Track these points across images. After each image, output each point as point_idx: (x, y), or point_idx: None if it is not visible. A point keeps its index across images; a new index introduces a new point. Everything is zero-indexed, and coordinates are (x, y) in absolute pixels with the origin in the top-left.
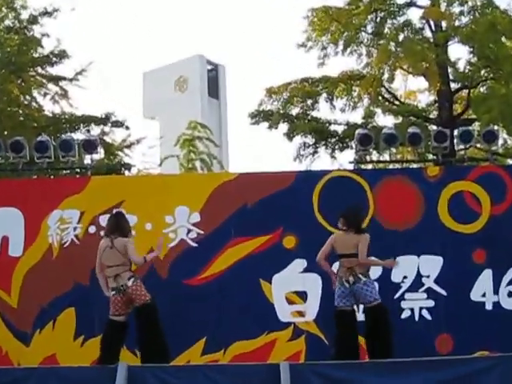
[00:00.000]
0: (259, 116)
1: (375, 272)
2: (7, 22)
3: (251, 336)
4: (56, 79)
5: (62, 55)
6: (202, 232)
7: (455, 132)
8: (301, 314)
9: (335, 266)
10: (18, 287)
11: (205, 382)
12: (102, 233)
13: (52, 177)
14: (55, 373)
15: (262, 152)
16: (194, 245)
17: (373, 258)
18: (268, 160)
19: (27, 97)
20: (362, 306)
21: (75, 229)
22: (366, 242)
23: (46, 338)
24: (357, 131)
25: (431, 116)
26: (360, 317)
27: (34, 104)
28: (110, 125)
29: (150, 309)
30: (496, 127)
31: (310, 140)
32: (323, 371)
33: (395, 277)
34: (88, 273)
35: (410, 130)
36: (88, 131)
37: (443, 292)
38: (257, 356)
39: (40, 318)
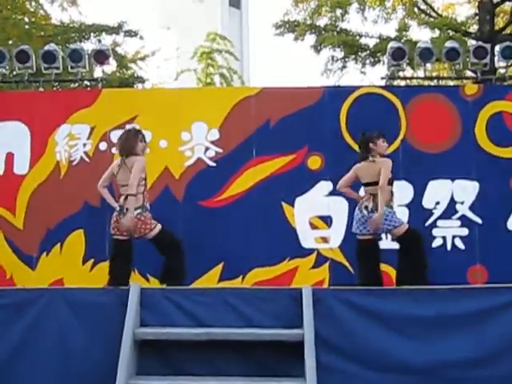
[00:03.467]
0: (284, 27)
1: (406, 197)
2: None
3: (271, 262)
4: None
5: None
6: (221, 151)
7: (496, 48)
8: (325, 240)
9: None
10: (23, 207)
11: (223, 306)
12: (113, 150)
13: (60, 89)
14: (63, 295)
15: (287, 67)
16: (212, 164)
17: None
18: (293, 75)
19: (33, 3)
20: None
21: (85, 145)
22: (387, 167)
23: (52, 261)
24: (389, 45)
25: (471, 30)
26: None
27: (40, 11)
28: (122, 34)
29: (155, 236)
30: None
31: (338, 53)
32: (348, 297)
33: (427, 202)
34: (98, 193)
35: (448, 44)
36: (99, 41)
37: (478, 220)
38: (277, 284)
39: (47, 241)
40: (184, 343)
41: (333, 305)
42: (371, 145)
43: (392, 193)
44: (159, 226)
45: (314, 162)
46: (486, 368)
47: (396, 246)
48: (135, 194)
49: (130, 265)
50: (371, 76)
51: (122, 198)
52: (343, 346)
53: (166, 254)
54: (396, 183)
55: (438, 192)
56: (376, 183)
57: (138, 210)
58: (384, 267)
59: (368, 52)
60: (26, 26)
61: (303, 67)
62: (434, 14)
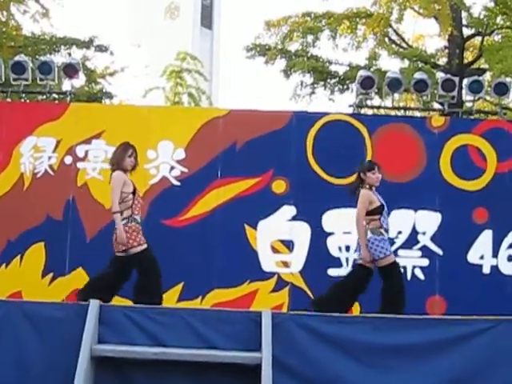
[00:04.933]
0: (255, 50)
1: None
2: None
3: (231, 284)
4: None
5: None
6: (186, 170)
7: (464, 81)
8: (286, 264)
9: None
10: None
11: (181, 326)
12: (78, 164)
13: (28, 101)
14: (21, 308)
15: (256, 90)
16: (177, 183)
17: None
18: (262, 99)
19: (4, 13)
20: None
21: (50, 158)
22: (361, 198)
23: (11, 273)
24: (359, 73)
25: (440, 63)
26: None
27: (12, 22)
28: (93, 49)
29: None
30: (508, 79)
31: (308, 79)
32: (307, 322)
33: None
34: (61, 206)
35: (417, 75)
36: (69, 55)
37: (439, 251)
38: (236, 306)
39: (7, 252)
40: (141, 362)
41: (292, 329)
42: (362, 175)
43: (382, 220)
44: (145, 246)
45: (279, 186)
46: None
47: None
48: (119, 211)
49: (121, 281)
50: (339, 103)
51: None
52: (300, 371)
53: (144, 275)
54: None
55: (400, 221)
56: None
57: (124, 221)
58: None
59: (337, 79)
60: None
61: (272, 91)
62: (404, 44)
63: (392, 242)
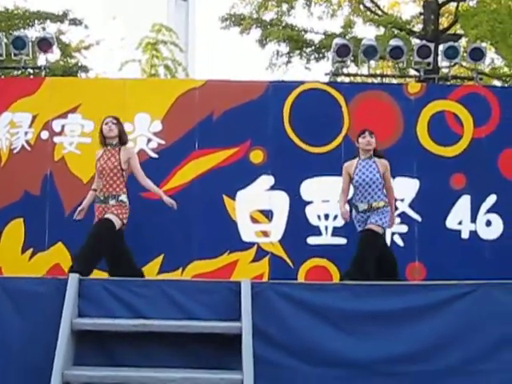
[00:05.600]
0: (230, 20)
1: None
2: None
3: (211, 255)
4: None
5: None
6: (163, 142)
7: (440, 47)
8: (265, 233)
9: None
10: None
11: (161, 298)
12: (55, 138)
13: (3, 76)
14: (1, 283)
15: (232, 61)
16: (154, 156)
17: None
18: (238, 70)
19: None
20: None
21: (26, 133)
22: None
23: None
24: (334, 41)
25: (415, 29)
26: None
27: None
28: (67, 23)
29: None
30: (484, 44)
31: (283, 48)
32: (287, 291)
33: None
34: (39, 182)
35: (392, 42)
36: (43, 29)
37: (418, 217)
38: (217, 277)
39: None
40: (122, 334)
41: (271, 298)
42: (356, 144)
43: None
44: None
45: (257, 156)
46: (418, 363)
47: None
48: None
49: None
50: (316, 72)
51: None
52: (281, 340)
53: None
54: (335, 179)
55: None
56: None
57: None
58: (323, 262)
59: (313, 47)
60: None
61: (248, 61)
62: (379, 11)
63: None
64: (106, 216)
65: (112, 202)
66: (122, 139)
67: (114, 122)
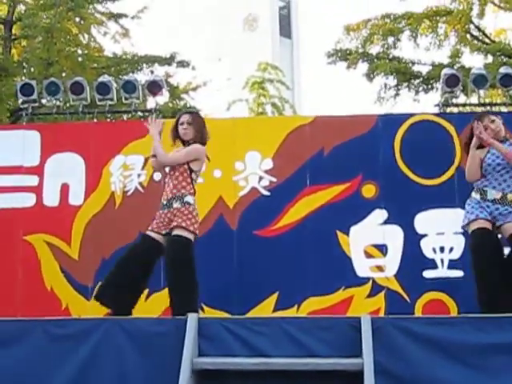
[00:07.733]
0: (336, 55)
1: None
2: None
3: (327, 291)
4: (116, 17)
5: None
6: (275, 180)
7: None
8: (380, 268)
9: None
10: (78, 238)
11: (280, 335)
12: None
13: (114, 120)
14: (120, 324)
15: (340, 96)
16: (266, 193)
17: None
18: (346, 104)
19: (86, 36)
20: None
21: (139, 176)
22: None
23: None
24: (443, 71)
25: None
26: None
27: (93, 43)
28: (174, 65)
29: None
30: None
31: (391, 81)
32: (408, 326)
33: None
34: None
35: (502, 70)
36: (151, 72)
37: None
38: (332, 313)
39: (102, 271)
40: (242, 373)
41: (392, 333)
42: None
43: None
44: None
45: (369, 191)
46: None
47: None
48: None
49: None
50: (425, 103)
51: None
52: (404, 376)
53: None
54: (452, 211)
55: None
56: None
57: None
58: (440, 296)
59: (421, 79)
60: (80, 58)
61: (356, 96)
62: (486, 39)
63: None
64: (175, 233)
65: (176, 204)
66: (203, 138)
67: (190, 121)
